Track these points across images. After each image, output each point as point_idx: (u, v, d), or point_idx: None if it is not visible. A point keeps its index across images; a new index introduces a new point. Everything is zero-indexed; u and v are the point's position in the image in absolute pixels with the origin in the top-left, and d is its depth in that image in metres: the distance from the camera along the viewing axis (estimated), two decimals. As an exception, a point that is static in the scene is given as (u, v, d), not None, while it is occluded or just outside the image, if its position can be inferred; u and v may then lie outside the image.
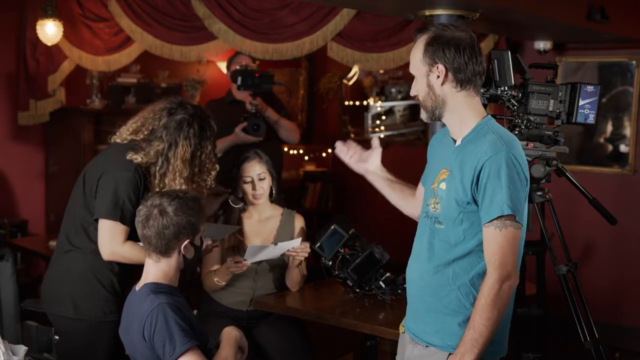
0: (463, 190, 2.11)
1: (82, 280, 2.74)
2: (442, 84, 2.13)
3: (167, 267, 2.36)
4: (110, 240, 2.68)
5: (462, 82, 2.13)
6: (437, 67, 2.12)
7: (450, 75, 2.12)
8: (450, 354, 2.14)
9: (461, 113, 2.16)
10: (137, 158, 2.70)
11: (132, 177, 2.69)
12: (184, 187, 2.70)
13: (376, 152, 2.50)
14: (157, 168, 2.72)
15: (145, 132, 2.75)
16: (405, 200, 2.49)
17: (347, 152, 2.52)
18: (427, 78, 2.15)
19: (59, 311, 2.76)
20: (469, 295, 2.14)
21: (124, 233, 2.69)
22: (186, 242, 2.34)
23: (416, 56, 2.16)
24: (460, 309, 2.15)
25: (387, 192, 2.51)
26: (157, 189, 2.70)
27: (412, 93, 2.22)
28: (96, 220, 2.71)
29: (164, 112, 2.76)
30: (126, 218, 2.67)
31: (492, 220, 2.06)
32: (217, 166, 2.88)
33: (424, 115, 2.21)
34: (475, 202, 2.11)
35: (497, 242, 2.06)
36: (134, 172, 2.70)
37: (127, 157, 2.70)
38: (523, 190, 2.10)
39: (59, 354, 2.81)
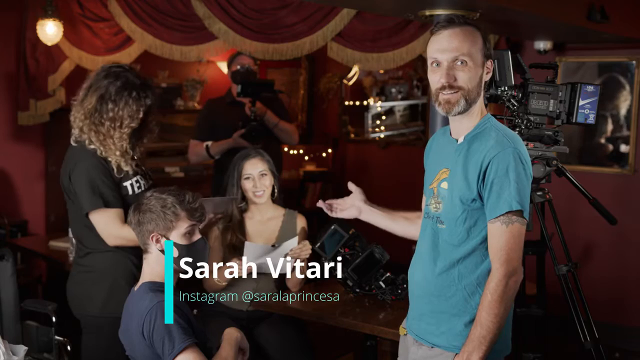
0: (468, 187, 2.11)
1: (104, 278, 2.81)
2: (486, 80, 2.20)
3: (154, 264, 2.37)
4: (106, 227, 2.75)
5: (486, 82, 2.21)
6: (490, 63, 2.18)
7: (490, 73, 2.20)
8: (456, 354, 2.13)
9: (473, 110, 2.18)
10: (87, 141, 2.78)
11: (96, 162, 2.76)
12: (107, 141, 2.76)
13: (357, 192, 2.52)
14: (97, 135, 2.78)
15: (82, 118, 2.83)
16: (413, 224, 2.45)
17: (329, 207, 2.54)
18: (482, 69, 2.17)
19: (85, 310, 2.83)
20: (475, 295, 2.14)
21: (117, 215, 2.75)
22: (153, 234, 2.34)
23: (476, 44, 2.15)
24: (466, 309, 2.15)
25: (388, 224, 2.49)
26: (118, 152, 2.78)
27: (459, 81, 2.12)
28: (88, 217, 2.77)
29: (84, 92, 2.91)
30: (110, 201, 2.73)
31: (498, 216, 2.06)
32: (150, 132, 2.91)
33: (458, 108, 2.13)
34: (480, 198, 2.11)
35: (504, 238, 2.06)
36: (93, 157, 2.77)
37: (83, 148, 2.78)
38: (529, 187, 2.11)
39: (85, 349, 2.86)
